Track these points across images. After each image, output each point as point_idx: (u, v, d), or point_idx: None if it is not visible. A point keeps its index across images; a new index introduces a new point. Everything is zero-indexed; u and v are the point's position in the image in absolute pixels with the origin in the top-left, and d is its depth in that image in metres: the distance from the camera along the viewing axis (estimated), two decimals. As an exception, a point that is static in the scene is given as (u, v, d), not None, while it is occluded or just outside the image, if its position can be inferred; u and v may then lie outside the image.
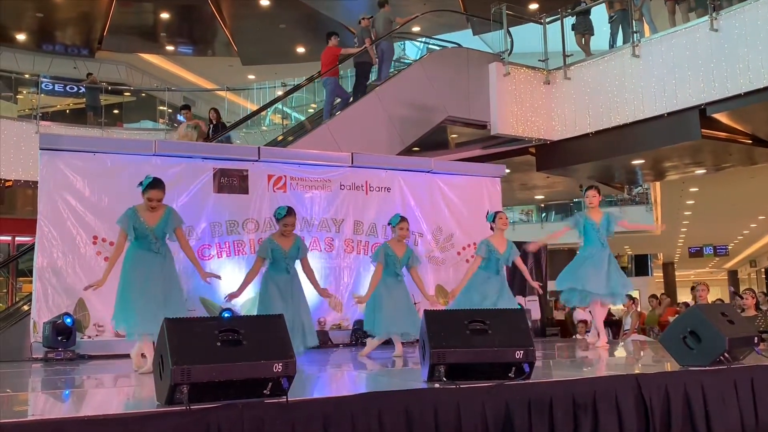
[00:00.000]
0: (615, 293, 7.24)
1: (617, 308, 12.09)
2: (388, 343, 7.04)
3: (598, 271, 7.13)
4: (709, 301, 9.85)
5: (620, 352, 7.40)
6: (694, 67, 9.92)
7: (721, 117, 10.11)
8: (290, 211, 6.35)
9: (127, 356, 7.02)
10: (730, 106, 9.70)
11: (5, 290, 14.77)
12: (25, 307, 8.42)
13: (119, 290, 5.54)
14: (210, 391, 3.25)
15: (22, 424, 3.02)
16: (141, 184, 5.59)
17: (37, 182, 7.87)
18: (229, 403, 3.24)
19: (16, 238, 15.59)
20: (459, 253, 9.35)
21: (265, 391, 3.35)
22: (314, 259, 8.47)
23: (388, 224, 7.10)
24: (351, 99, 11.23)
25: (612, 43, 11.86)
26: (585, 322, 10.86)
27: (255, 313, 6.59)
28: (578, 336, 10.52)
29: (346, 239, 8.90)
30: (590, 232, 7.30)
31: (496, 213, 7.38)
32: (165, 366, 3.25)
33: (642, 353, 6.88)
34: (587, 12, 12.27)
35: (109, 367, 6.41)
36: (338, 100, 11.45)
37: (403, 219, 6.94)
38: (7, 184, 12.69)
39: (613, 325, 11.21)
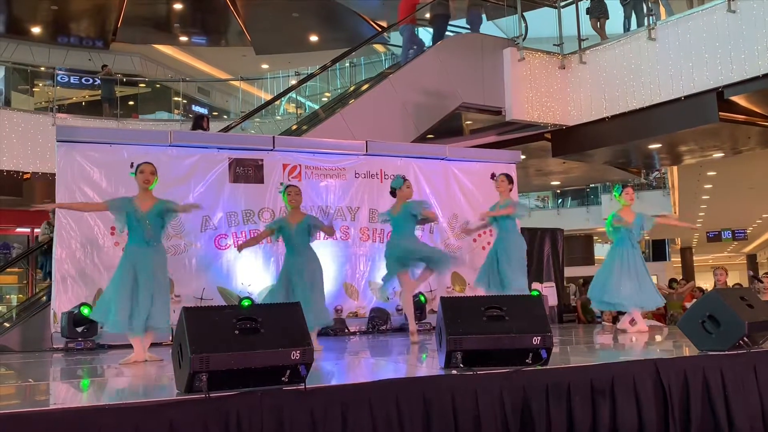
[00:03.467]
0: (645, 306, 7.30)
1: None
2: (404, 330, 7.06)
3: (630, 282, 7.17)
4: (728, 285, 9.77)
5: (638, 337, 7.36)
6: (712, 49, 9.80)
7: (739, 99, 10.00)
8: (288, 187, 6.57)
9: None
10: (748, 88, 9.59)
11: (25, 282, 14.94)
12: (45, 298, 8.52)
13: (108, 285, 5.68)
14: (229, 379, 3.28)
15: (45, 412, 3.05)
16: (134, 170, 5.74)
17: (54, 174, 7.92)
18: (247, 390, 3.26)
19: (35, 230, 15.71)
20: (475, 240, 9.32)
21: (283, 379, 3.37)
22: (330, 248, 8.51)
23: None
24: (425, 48, 11.37)
25: (626, 27, 11.75)
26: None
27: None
28: (605, 323, 10.47)
29: (362, 227, 8.90)
30: (622, 231, 7.27)
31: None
32: (184, 354, 3.28)
33: (659, 338, 6.85)
34: (602, -5, 12.16)
35: (127, 356, 6.46)
36: (413, 48, 11.53)
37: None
38: (25, 176, 12.80)
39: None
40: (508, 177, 7.53)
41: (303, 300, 5.96)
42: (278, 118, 16.49)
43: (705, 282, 23.53)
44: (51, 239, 9.73)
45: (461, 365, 3.94)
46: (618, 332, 7.45)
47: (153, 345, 6.86)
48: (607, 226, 7.50)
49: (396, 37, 16.40)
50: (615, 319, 10.65)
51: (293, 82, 15.93)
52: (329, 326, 7.37)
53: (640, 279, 7.23)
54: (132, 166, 5.82)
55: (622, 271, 7.23)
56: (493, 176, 8.13)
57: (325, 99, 15.44)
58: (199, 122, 11.25)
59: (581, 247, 24.30)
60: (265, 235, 6.86)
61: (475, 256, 9.01)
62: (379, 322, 8.59)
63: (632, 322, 7.40)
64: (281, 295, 6.18)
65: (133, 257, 5.56)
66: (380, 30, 16.91)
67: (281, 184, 7.34)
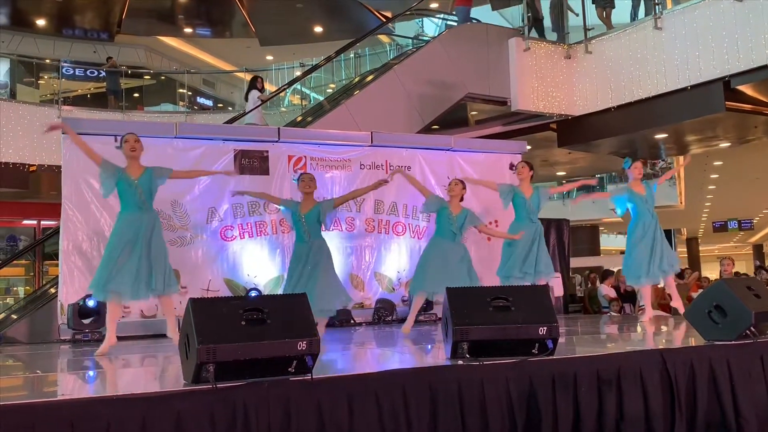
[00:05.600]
0: (666, 272, 7.32)
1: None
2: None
3: (650, 252, 7.20)
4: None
5: (644, 327, 7.36)
6: (718, 38, 9.74)
7: (746, 89, 9.95)
8: (302, 175, 6.65)
9: (154, 337, 7.17)
10: (755, 77, 9.54)
11: (32, 274, 15.00)
12: (52, 290, 8.55)
13: (103, 256, 5.70)
14: (235, 369, 3.28)
15: (52, 403, 3.07)
16: (119, 143, 5.87)
17: (60, 166, 7.93)
18: (254, 381, 3.27)
19: (42, 222, 15.76)
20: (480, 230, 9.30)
21: (290, 369, 3.38)
22: (336, 239, 8.51)
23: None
24: None
25: (633, 16, 11.68)
26: (617, 300, 10.80)
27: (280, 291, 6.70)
28: (613, 313, 10.47)
29: (367, 218, 8.90)
30: (639, 203, 7.28)
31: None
32: (191, 345, 3.29)
33: (665, 328, 6.84)
34: (608, -16, 12.10)
35: (135, 347, 6.50)
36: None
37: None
38: (31, 168, 12.82)
39: (630, 299, 11.13)
40: (529, 164, 7.54)
41: (319, 285, 6.02)
42: (283, 109, 16.48)
43: (711, 272, 23.45)
44: None
45: (467, 355, 3.95)
46: (636, 322, 7.49)
47: (158, 336, 6.90)
48: (620, 203, 7.48)
49: (400, 28, 16.37)
50: (622, 310, 10.66)
51: (298, 73, 15.90)
52: (348, 305, 7.29)
53: (664, 246, 7.29)
54: (116, 140, 5.86)
55: (646, 244, 7.27)
56: (511, 166, 8.14)
57: (330, 90, 15.43)
58: (254, 83, 11.18)
59: (587, 237, 24.24)
60: (271, 199, 7.22)
61: (480, 245, 9.00)
62: (384, 313, 8.60)
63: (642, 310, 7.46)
64: (296, 282, 6.24)
65: (127, 223, 5.59)
66: (385, 21, 16.84)
67: (294, 171, 7.37)
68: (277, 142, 8.56)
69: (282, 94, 15.47)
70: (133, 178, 5.64)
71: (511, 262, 7.25)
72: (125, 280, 5.44)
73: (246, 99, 11.23)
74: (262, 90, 11.21)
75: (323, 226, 6.62)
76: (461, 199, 7.01)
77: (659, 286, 8.07)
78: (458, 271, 6.69)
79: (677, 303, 7.49)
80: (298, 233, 6.54)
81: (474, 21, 11.92)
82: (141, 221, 5.61)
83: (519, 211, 7.36)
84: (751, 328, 4.47)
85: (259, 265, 8.26)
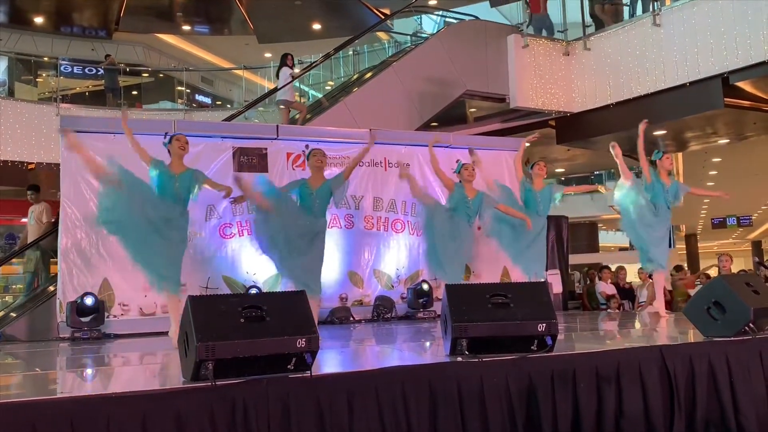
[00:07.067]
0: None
1: (634, 280, 12.02)
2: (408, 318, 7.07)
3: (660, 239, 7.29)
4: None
5: (643, 323, 7.37)
6: (717, 34, 9.74)
7: (745, 85, 9.95)
8: (313, 150, 6.61)
9: (152, 335, 7.16)
10: (753, 74, 9.54)
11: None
12: (51, 288, 8.54)
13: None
14: (235, 367, 3.29)
15: (53, 401, 3.07)
16: (167, 140, 6.01)
17: (59, 164, 7.92)
18: (253, 378, 3.28)
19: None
20: (479, 228, 9.30)
21: (289, 366, 3.38)
22: (335, 236, 8.51)
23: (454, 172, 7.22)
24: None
25: (632, 12, 11.68)
26: (615, 296, 10.79)
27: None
28: (610, 310, 10.46)
29: (366, 216, 8.89)
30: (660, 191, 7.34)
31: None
32: (190, 343, 3.29)
33: (664, 324, 6.84)
34: (606, -19, 12.09)
35: (134, 345, 6.50)
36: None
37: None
38: (30, 166, 12.80)
39: (629, 296, 11.14)
40: (545, 164, 7.71)
41: (302, 262, 5.99)
42: (282, 107, 16.45)
43: (710, 269, 23.39)
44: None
45: (467, 352, 3.95)
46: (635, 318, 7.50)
47: (157, 334, 6.90)
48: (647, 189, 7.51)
49: (399, 25, 16.36)
50: (620, 306, 10.65)
51: (296, 70, 15.89)
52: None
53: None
54: (165, 136, 6.05)
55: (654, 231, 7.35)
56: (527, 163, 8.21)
57: (328, 87, 15.40)
58: (284, 61, 11.14)
59: (586, 234, 24.25)
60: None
61: (479, 242, 8.99)
62: (383, 311, 8.60)
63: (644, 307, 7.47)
64: (281, 249, 6.20)
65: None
66: (383, 18, 16.82)
67: (306, 146, 7.26)
68: (275, 139, 8.55)
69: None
70: (174, 173, 5.84)
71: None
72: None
73: (277, 76, 11.18)
74: (292, 67, 11.17)
75: (333, 204, 6.60)
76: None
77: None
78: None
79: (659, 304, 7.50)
80: (306, 208, 6.39)
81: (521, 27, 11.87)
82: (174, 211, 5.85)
83: (528, 204, 7.46)
84: (750, 325, 4.47)
85: (259, 263, 8.23)
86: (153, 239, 5.64)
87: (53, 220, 9.55)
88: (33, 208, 9.85)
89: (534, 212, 7.37)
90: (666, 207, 7.34)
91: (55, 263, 8.18)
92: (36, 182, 10.58)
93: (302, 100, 15.58)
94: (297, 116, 10.88)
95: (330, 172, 8.70)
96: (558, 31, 11.81)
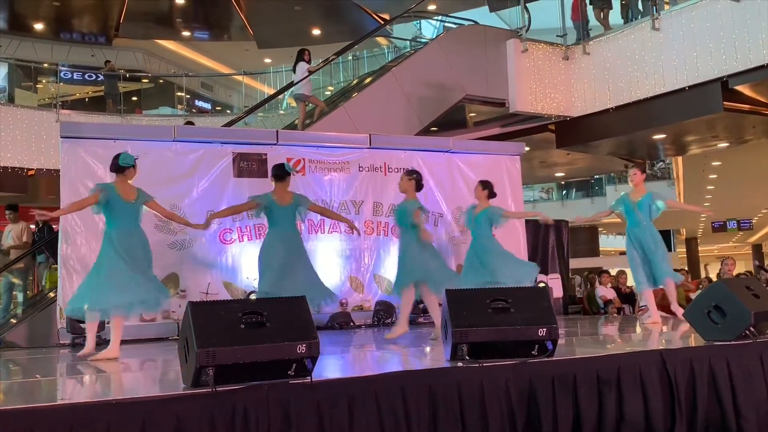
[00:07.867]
0: (657, 283, 7.31)
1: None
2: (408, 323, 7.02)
3: (641, 261, 7.21)
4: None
5: (643, 328, 7.36)
6: (716, 38, 9.76)
7: (744, 89, 9.97)
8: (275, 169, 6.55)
9: (152, 341, 7.15)
10: (752, 77, 9.57)
11: (31, 278, 14.96)
12: (51, 294, 8.53)
13: (91, 271, 5.78)
14: (235, 373, 3.28)
15: (53, 408, 3.06)
16: (125, 162, 5.76)
17: (58, 170, 7.93)
18: (254, 384, 3.27)
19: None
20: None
21: (289, 372, 3.38)
22: (335, 241, 8.51)
23: None
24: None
25: (631, 16, 11.70)
26: (613, 300, 10.79)
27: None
28: (609, 314, 10.46)
29: (366, 221, 8.89)
30: (630, 212, 7.28)
31: None
32: (190, 349, 3.29)
33: (665, 329, 6.84)
34: (606, -15, 12.12)
35: (134, 351, 6.49)
36: None
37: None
38: (30, 173, 12.81)
39: (629, 301, 11.13)
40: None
41: (304, 280, 5.96)
42: (281, 112, 16.45)
43: (710, 272, 23.39)
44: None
45: (467, 357, 3.94)
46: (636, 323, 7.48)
47: (157, 340, 6.90)
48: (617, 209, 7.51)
49: (398, 30, 16.37)
50: (621, 311, 10.65)
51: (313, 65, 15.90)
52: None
53: (654, 257, 7.33)
54: (136, 158, 5.89)
55: (638, 253, 7.33)
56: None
57: (328, 93, 15.41)
58: (301, 56, 11.14)
59: (586, 238, 24.28)
60: (242, 208, 6.96)
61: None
62: (384, 315, 8.60)
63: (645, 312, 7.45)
64: (279, 277, 6.14)
65: (119, 242, 5.67)
66: (383, 23, 16.85)
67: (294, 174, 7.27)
68: (275, 144, 8.56)
69: (280, 96, 15.45)
70: (127, 200, 5.73)
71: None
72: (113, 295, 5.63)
73: (294, 71, 11.19)
74: (309, 62, 11.18)
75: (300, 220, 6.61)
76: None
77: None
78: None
79: (675, 307, 7.46)
80: (279, 222, 6.40)
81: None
82: (134, 237, 5.77)
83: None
84: (751, 328, 4.47)
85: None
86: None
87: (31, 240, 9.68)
88: (11, 227, 9.86)
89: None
90: (645, 220, 7.28)
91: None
92: (35, 188, 10.60)
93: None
94: (314, 110, 10.95)
95: (330, 178, 8.76)
96: (557, 36, 11.83)
